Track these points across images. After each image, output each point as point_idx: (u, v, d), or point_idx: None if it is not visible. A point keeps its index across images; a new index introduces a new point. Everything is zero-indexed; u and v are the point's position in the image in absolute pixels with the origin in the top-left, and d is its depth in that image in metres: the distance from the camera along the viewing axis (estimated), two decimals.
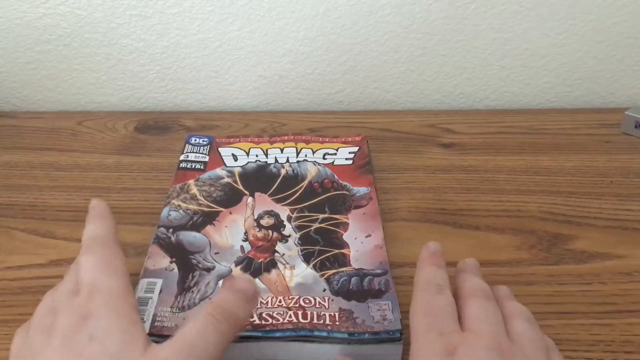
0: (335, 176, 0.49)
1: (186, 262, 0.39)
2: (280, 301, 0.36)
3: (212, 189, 0.47)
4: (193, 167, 0.50)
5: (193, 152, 0.52)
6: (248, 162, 0.51)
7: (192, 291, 0.37)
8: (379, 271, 0.38)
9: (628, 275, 0.41)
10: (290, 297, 0.36)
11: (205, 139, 0.54)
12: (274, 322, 0.34)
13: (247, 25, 0.63)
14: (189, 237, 0.42)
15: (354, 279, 0.38)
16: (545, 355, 0.29)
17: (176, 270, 0.39)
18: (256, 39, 0.64)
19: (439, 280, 0.33)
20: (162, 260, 0.40)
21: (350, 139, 0.54)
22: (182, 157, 0.51)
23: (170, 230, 0.42)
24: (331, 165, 0.50)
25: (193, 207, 0.45)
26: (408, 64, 0.66)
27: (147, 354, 0.27)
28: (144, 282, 0.38)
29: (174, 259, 0.40)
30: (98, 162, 0.56)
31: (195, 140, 0.53)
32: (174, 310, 0.35)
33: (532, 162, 0.55)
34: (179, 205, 0.45)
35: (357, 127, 0.62)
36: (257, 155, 0.52)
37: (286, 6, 0.62)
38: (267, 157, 0.51)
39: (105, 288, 0.30)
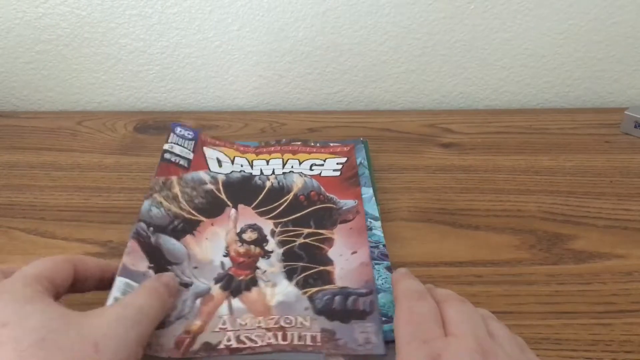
0: (322, 188, 0.47)
1: (164, 272, 0.37)
2: (259, 322, 0.35)
3: (195, 193, 0.46)
4: (177, 162, 0.49)
5: (178, 144, 0.50)
6: (232, 171, 0.49)
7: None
8: (363, 291, 0.37)
9: (628, 275, 0.41)
10: (271, 317, 0.35)
11: (191, 133, 0.52)
12: (252, 344, 0.33)
13: (247, 25, 0.63)
14: (169, 244, 0.40)
15: (337, 298, 0.36)
16: (520, 352, 0.29)
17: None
18: (256, 39, 0.64)
19: (419, 288, 0.33)
20: (140, 262, 0.38)
21: (339, 149, 0.53)
22: (166, 147, 0.50)
23: (151, 229, 0.41)
24: (318, 176, 0.49)
25: (174, 209, 0.44)
26: (408, 64, 0.66)
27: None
28: (121, 282, 0.35)
29: (152, 265, 0.38)
30: (98, 162, 0.56)
31: (180, 131, 0.52)
32: None
33: (532, 162, 0.55)
34: (160, 202, 0.44)
35: (357, 127, 0.62)
36: (242, 165, 0.50)
37: (286, 6, 0.62)
38: (252, 169, 0.50)
39: (21, 272, 0.30)
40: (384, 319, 0.35)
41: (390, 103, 0.69)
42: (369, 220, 0.45)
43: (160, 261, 0.39)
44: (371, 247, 0.42)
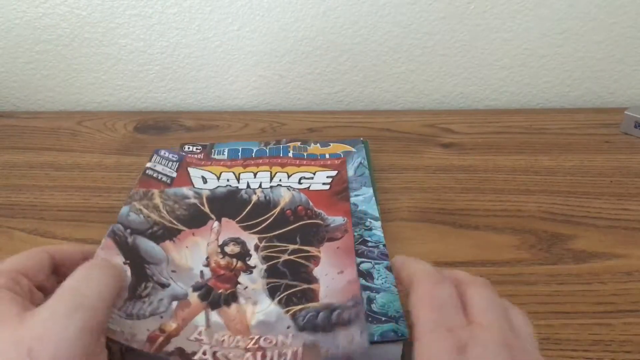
0: (310, 203, 0.45)
1: (140, 269, 0.37)
2: (237, 341, 0.33)
3: (177, 205, 0.44)
4: (159, 178, 0.47)
5: (161, 163, 0.49)
6: (218, 186, 0.47)
7: (144, 301, 0.34)
8: (350, 304, 0.35)
9: (628, 275, 0.41)
10: (250, 337, 0.33)
11: (175, 155, 0.51)
12: None
13: (247, 25, 0.63)
14: (147, 245, 0.39)
15: (322, 314, 0.34)
16: (537, 349, 0.29)
17: (129, 273, 0.36)
18: (256, 39, 0.64)
19: (434, 270, 0.31)
20: (115, 257, 0.37)
21: (329, 162, 0.51)
22: (148, 165, 0.49)
23: (128, 230, 0.40)
24: (307, 190, 0.47)
25: (154, 216, 0.42)
26: (408, 64, 0.66)
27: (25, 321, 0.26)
28: None
29: (128, 262, 0.37)
30: (98, 162, 0.56)
31: (164, 153, 0.51)
32: (121, 315, 0.33)
33: (532, 162, 0.55)
34: (140, 210, 0.42)
35: (357, 127, 0.62)
36: (228, 180, 0.49)
37: (286, 6, 0.62)
38: (238, 182, 0.48)
39: None
40: (383, 318, 0.35)
41: (390, 103, 0.69)
42: (368, 220, 0.45)
43: (136, 259, 0.37)
44: (371, 247, 0.42)
